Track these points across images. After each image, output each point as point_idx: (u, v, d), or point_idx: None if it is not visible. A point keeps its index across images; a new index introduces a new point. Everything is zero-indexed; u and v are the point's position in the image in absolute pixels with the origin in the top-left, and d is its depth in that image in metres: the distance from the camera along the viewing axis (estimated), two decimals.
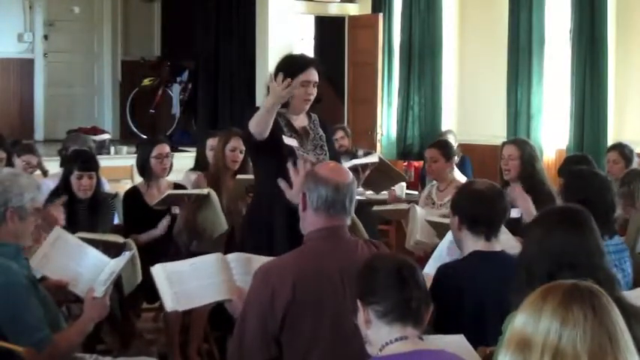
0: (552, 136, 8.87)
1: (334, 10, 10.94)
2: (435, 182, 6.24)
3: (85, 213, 5.27)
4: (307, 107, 4.44)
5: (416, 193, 7.36)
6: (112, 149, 10.03)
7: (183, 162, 6.85)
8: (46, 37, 11.75)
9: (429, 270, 3.57)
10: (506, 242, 3.63)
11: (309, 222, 3.11)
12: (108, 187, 6.13)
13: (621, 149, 6.58)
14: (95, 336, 4.57)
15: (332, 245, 3.07)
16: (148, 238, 5.36)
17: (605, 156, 6.76)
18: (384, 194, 6.58)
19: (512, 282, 2.71)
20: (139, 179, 5.90)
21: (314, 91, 4.38)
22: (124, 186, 6.92)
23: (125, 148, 9.88)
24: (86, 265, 3.69)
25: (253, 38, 10.47)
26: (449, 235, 3.70)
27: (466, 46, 9.91)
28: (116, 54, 12.43)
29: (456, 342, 2.78)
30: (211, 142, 6.08)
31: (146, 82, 11.88)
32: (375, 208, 6.05)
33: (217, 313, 4.35)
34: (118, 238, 4.93)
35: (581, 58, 8.40)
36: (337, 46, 10.79)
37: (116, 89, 12.46)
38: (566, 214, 2.81)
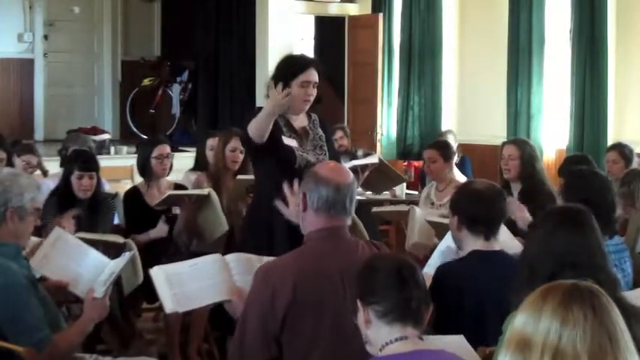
0: (552, 136, 8.87)
1: (334, 10, 10.94)
2: (434, 182, 6.24)
3: (85, 213, 5.27)
4: (307, 107, 4.44)
5: (416, 193, 7.36)
6: (112, 149, 10.03)
7: (183, 162, 6.85)
8: (46, 37, 11.76)
9: (429, 270, 3.57)
10: (507, 242, 3.63)
11: (310, 222, 3.11)
12: (108, 187, 6.13)
13: (621, 149, 6.58)
14: (95, 336, 4.56)
15: (332, 246, 3.07)
16: (147, 239, 5.34)
17: (604, 156, 6.76)
18: (385, 194, 6.59)
19: (512, 282, 2.72)
20: (139, 179, 5.89)
21: (314, 92, 4.39)
22: (124, 186, 6.92)
23: (125, 148, 9.88)
24: (86, 266, 3.69)
25: (253, 38, 10.47)
26: (448, 236, 3.70)
27: (466, 46, 9.91)
28: (116, 54, 12.43)
29: (456, 342, 2.78)
30: (211, 142, 6.08)
31: (146, 82, 11.88)
32: (375, 209, 6.05)
33: (217, 313, 4.34)
34: (118, 239, 4.93)
35: (581, 58, 8.40)
36: (337, 46, 10.80)
37: (116, 89, 12.46)
38: (569, 213, 2.82)
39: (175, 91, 12.00)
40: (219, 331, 5.34)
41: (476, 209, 3.32)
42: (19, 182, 3.39)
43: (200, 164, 6.19)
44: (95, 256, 3.76)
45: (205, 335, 5.35)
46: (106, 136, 10.60)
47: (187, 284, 3.26)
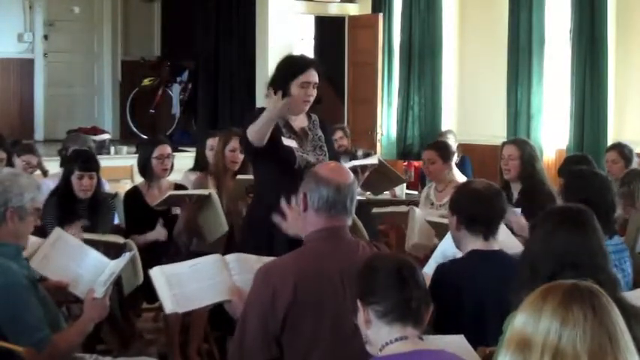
0: (552, 136, 8.87)
1: (334, 10, 10.94)
2: (433, 183, 6.24)
3: (85, 213, 5.27)
4: (307, 108, 4.45)
5: (416, 193, 7.36)
6: (112, 149, 10.03)
7: (183, 162, 6.84)
8: (46, 37, 11.76)
9: (429, 270, 3.57)
10: (506, 242, 3.63)
11: (310, 222, 3.11)
12: (108, 188, 6.13)
13: (620, 149, 6.58)
14: (95, 336, 4.56)
15: (332, 246, 3.07)
16: (144, 242, 5.32)
17: (604, 156, 6.76)
18: (385, 194, 6.58)
19: (511, 281, 2.72)
20: (138, 179, 5.89)
21: (314, 92, 4.39)
22: (124, 186, 6.92)
23: (125, 148, 9.89)
24: (86, 266, 3.69)
25: (253, 38, 10.47)
26: (448, 237, 3.70)
27: (466, 46, 9.91)
28: (116, 54, 12.43)
29: (456, 342, 2.78)
30: (211, 142, 6.07)
31: (146, 82, 11.89)
32: (375, 210, 6.05)
33: (217, 313, 4.34)
34: (119, 239, 4.93)
35: (581, 58, 8.40)
36: (337, 46, 10.80)
37: (116, 89, 12.46)
38: (569, 213, 2.82)
39: (175, 91, 12.00)
40: (219, 331, 5.34)
41: (475, 209, 3.32)
42: (19, 182, 3.39)
43: (200, 164, 6.19)
44: (95, 256, 3.76)
45: (205, 335, 5.35)
46: (106, 136, 10.61)
47: (187, 285, 3.26)
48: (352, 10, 10.89)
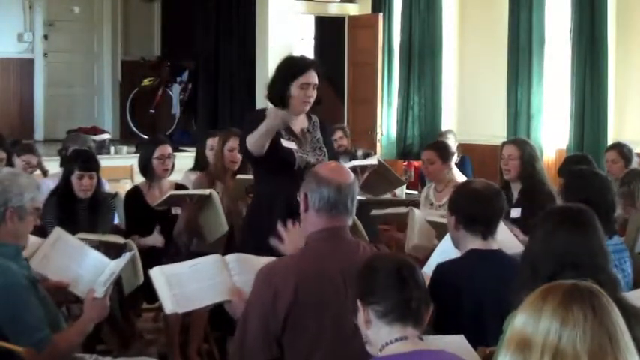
0: (552, 136, 8.87)
1: (334, 10, 10.94)
2: (432, 183, 6.23)
3: (85, 213, 5.27)
4: (307, 109, 4.45)
5: (416, 193, 7.36)
6: (112, 149, 10.03)
7: (183, 162, 6.84)
8: (46, 37, 11.75)
9: (429, 270, 3.57)
10: (506, 241, 3.63)
11: (311, 223, 3.11)
12: (108, 188, 6.13)
13: (620, 149, 6.58)
14: (95, 336, 4.56)
15: (333, 246, 3.07)
16: (144, 244, 5.31)
17: (604, 156, 6.76)
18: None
19: (510, 281, 2.72)
20: (139, 179, 5.89)
21: (313, 94, 4.39)
22: (124, 186, 6.92)
23: (125, 148, 9.89)
24: (86, 266, 3.69)
25: (253, 38, 10.47)
26: (448, 237, 3.70)
27: (466, 46, 9.91)
28: (116, 54, 12.43)
29: (456, 342, 2.78)
30: (211, 142, 6.08)
31: (146, 82, 11.89)
32: (374, 212, 6.04)
33: (217, 313, 4.34)
34: (119, 239, 4.93)
35: (581, 58, 8.41)
36: (337, 46, 10.79)
37: (116, 89, 12.46)
38: (569, 213, 2.82)
39: (175, 91, 12.00)
40: (219, 331, 5.34)
41: (474, 209, 3.32)
42: (19, 182, 3.39)
43: (200, 164, 6.19)
44: (95, 256, 3.76)
45: (205, 335, 5.35)
46: (106, 136, 10.60)
47: (187, 285, 3.26)
48: (352, 10, 10.89)
